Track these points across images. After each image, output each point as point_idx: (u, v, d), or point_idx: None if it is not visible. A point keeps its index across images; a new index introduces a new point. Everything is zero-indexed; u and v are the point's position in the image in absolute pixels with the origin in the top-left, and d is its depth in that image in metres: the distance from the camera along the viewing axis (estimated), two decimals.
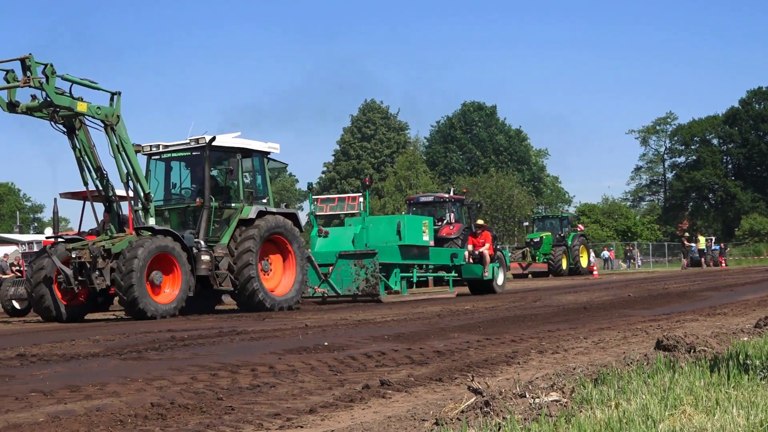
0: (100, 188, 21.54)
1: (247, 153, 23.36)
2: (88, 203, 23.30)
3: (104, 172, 21.47)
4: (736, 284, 29.74)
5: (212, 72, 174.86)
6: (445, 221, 39.79)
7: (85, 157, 21.10)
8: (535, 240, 54.92)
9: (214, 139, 22.40)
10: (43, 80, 19.47)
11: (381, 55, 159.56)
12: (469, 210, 41.06)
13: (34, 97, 20.06)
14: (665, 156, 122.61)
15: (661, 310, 17.89)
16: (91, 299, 21.79)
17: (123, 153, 21.24)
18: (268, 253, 23.15)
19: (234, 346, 12.37)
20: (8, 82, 19.67)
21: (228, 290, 22.45)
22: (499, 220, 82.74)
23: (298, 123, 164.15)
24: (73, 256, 20.73)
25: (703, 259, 70.09)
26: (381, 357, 10.23)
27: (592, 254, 69.02)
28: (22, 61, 19.29)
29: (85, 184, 21.52)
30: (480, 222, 32.76)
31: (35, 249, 27.44)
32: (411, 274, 27.88)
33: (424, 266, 28.91)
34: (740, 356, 7.89)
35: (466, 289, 31.40)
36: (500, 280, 31.31)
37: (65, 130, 20.86)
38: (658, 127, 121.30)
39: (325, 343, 11.81)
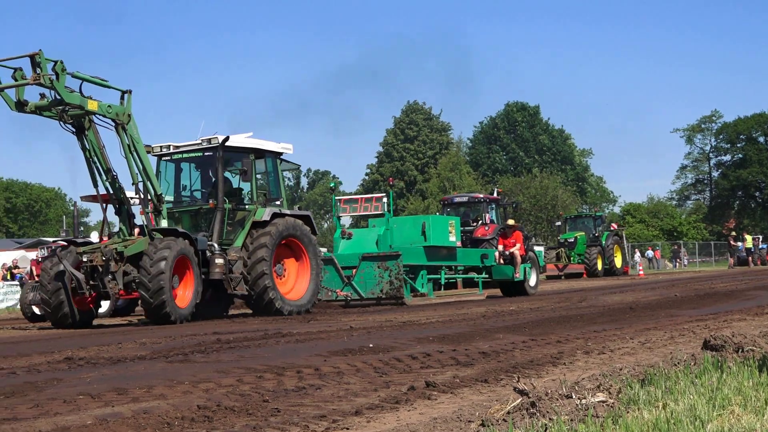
0: (111, 190, 20.91)
1: (260, 154, 22.88)
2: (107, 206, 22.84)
3: (114, 174, 20.83)
4: None
5: (227, 71, 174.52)
6: (480, 222, 39.50)
7: (95, 158, 20.48)
8: (570, 240, 53.95)
9: (227, 139, 21.97)
10: (54, 77, 18.82)
11: (423, 55, 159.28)
12: (505, 210, 40.70)
13: (43, 96, 19.52)
14: (711, 155, 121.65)
15: (707, 310, 17.74)
16: (98, 304, 21.33)
17: (134, 153, 20.69)
18: (282, 257, 22.61)
19: (279, 348, 12.39)
20: (16, 80, 19.03)
21: (242, 294, 21.91)
22: (543, 220, 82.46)
23: (337, 124, 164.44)
24: (85, 260, 20.22)
25: (750, 258, 69.48)
26: (426, 358, 10.22)
27: (638, 254, 68.51)
28: (32, 57, 18.61)
29: (95, 185, 20.90)
30: (510, 222, 32.20)
31: None
32: (439, 276, 27.32)
33: (453, 268, 28.37)
34: None
35: (497, 291, 30.88)
36: (533, 281, 30.68)
37: (74, 130, 20.26)
38: (703, 126, 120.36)
39: (370, 345, 11.81)
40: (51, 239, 26.78)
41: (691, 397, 6.24)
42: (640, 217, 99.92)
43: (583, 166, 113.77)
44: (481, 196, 42.25)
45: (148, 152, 21.58)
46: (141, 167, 20.75)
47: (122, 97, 20.61)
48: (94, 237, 27.10)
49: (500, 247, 30.17)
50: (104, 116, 20.18)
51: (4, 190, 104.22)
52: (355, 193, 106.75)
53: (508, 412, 6.11)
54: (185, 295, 20.23)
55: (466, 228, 38.34)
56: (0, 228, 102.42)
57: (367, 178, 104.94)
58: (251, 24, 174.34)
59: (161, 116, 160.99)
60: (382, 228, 27.23)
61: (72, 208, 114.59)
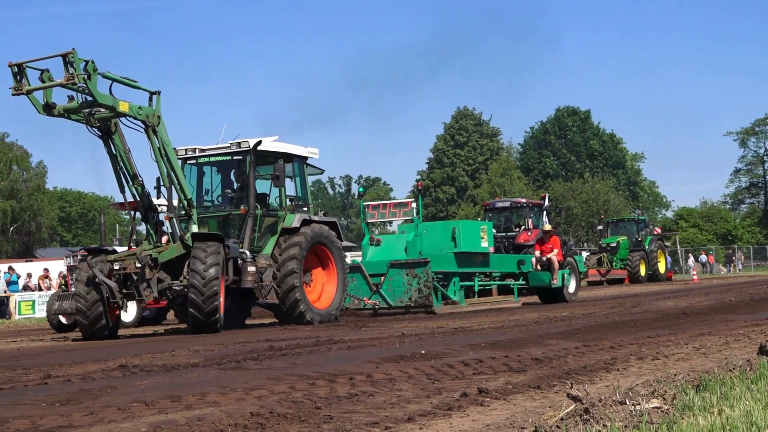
0: (138, 196, 20.21)
1: (288, 158, 22.22)
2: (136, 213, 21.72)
3: (141, 179, 20.13)
4: None
5: (253, 72, 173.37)
6: (522, 227, 39.09)
7: (121, 163, 19.82)
8: (612, 245, 52.32)
9: (259, 143, 21.42)
10: (86, 77, 17.99)
11: (473, 60, 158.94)
12: (548, 215, 40.20)
13: (71, 98, 18.83)
14: (765, 158, 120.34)
15: (763, 315, 17.55)
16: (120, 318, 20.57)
17: (164, 157, 19.95)
18: (309, 264, 21.90)
19: (331, 355, 12.41)
20: (43, 81, 18.33)
21: (273, 303, 21.15)
22: (595, 225, 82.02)
23: (386, 129, 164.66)
24: (117, 267, 19.64)
25: None
26: (478, 364, 10.19)
27: (691, 258, 67.86)
28: (64, 57, 17.83)
29: (122, 191, 20.12)
30: (548, 227, 31.45)
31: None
32: (472, 283, 26.68)
33: (489, 274, 27.79)
34: None
35: (534, 299, 30.16)
36: (572, 287, 29.74)
37: (100, 134, 19.54)
38: (757, 129, 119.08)
39: (422, 351, 11.80)
40: (78, 248, 26.42)
41: (747, 402, 6.18)
42: (694, 222, 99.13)
43: (635, 170, 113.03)
44: (524, 200, 41.67)
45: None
46: (171, 171, 20.09)
47: (150, 99, 19.93)
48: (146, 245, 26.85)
49: (537, 253, 29.36)
50: (135, 118, 19.50)
51: (58, 200, 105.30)
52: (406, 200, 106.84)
53: (562, 419, 6.08)
54: (222, 302, 19.63)
55: (509, 234, 38.04)
56: (54, 237, 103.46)
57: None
58: (279, 25, 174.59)
59: (177, 119, 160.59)
60: (411, 234, 26.48)
61: (125, 216, 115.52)
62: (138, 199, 20.23)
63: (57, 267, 47.70)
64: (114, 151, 19.72)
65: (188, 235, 19.74)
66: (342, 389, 8.58)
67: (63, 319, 25.32)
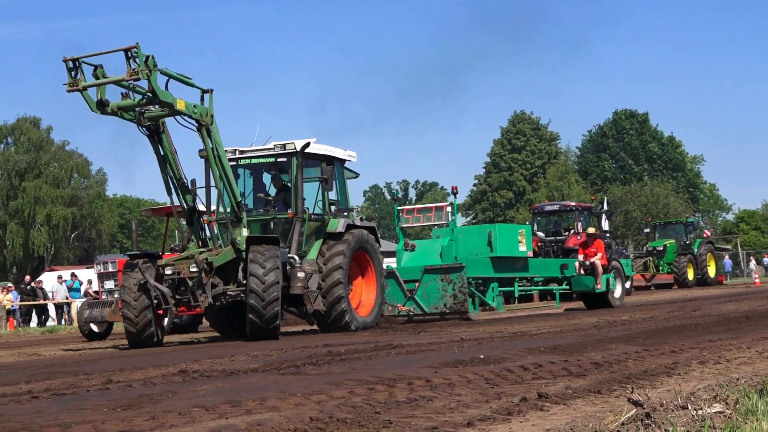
0: (183, 198, 19.73)
1: (329, 161, 21.58)
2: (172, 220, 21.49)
3: (185, 181, 19.69)
4: None
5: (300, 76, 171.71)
6: (572, 231, 38.58)
7: (167, 165, 19.37)
8: (658, 248, 50.71)
9: (308, 145, 20.89)
10: (149, 73, 17.53)
11: (530, 65, 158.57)
12: (598, 218, 39.30)
13: (125, 95, 18.32)
14: None
15: None
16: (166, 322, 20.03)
17: (217, 158, 19.48)
18: (351, 271, 21.34)
19: (390, 360, 12.41)
20: (97, 78, 17.78)
21: (320, 310, 20.44)
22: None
23: (444, 131, 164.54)
24: (169, 272, 19.08)
25: None
26: (538, 369, 10.14)
27: (753, 261, 67.04)
28: (126, 51, 17.36)
29: (169, 194, 19.65)
30: (591, 230, 30.72)
31: (110, 269, 25.70)
32: (512, 288, 26.21)
33: (530, 279, 27.22)
34: None
35: (577, 304, 29.49)
36: (617, 292, 29.06)
37: (148, 133, 19.06)
38: None
39: (481, 356, 11.76)
40: (112, 256, 25.87)
41: None
42: (755, 224, 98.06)
43: (694, 172, 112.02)
44: (573, 204, 40.93)
45: (203, 156, 20.18)
46: (223, 173, 19.58)
47: (202, 97, 19.53)
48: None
49: (581, 257, 28.61)
50: (190, 117, 19.04)
51: (117, 207, 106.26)
52: (464, 204, 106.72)
53: (623, 423, 6.04)
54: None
55: (558, 237, 37.63)
56: (114, 243, 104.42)
57: (474, 188, 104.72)
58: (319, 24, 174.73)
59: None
60: (447, 239, 25.86)
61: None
62: (184, 202, 19.77)
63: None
64: (162, 152, 19.30)
65: (240, 238, 19.24)
66: (401, 394, 8.58)
67: (94, 327, 24.97)
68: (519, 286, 26.56)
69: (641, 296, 39.58)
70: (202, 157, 20.17)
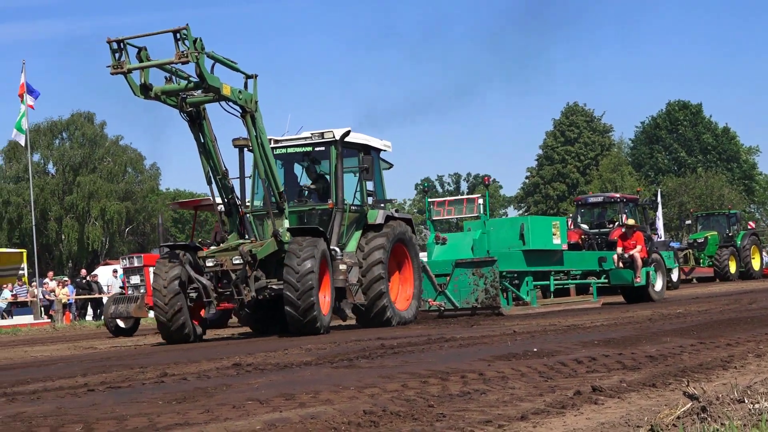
0: (221, 189, 19.25)
1: (366, 150, 20.98)
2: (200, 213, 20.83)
3: (225, 169, 19.17)
4: None
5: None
6: (616, 223, 38.00)
7: (207, 153, 18.89)
8: (699, 240, 48.75)
9: (347, 134, 20.27)
10: (197, 56, 16.88)
11: (581, 56, 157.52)
12: (644, 210, 38.43)
13: (168, 79, 17.91)
14: None
15: None
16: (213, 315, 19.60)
17: (260, 146, 18.88)
18: (388, 264, 20.64)
19: (443, 353, 12.40)
20: (141, 60, 17.27)
21: (359, 304, 19.98)
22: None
23: (497, 123, 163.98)
24: (210, 264, 18.52)
25: None
26: (591, 362, 10.10)
27: None
28: (175, 33, 16.73)
29: (209, 183, 19.10)
30: (630, 222, 29.82)
31: (136, 264, 25.03)
32: (548, 282, 25.52)
33: (567, 273, 26.67)
34: None
35: (616, 299, 28.83)
36: (658, 285, 28.22)
37: (189, 119, 18.53)
38: None
39: (534, 349, 11.73)
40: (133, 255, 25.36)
41: None
42: None
43: (750, 164, 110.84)
44: (618, 195, 39.39)
45: (243, 146, 19.78)
46: (266, 162, 18.97)
47: (246, 83, 18.84)
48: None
49: (619, 249, 27.79)
50: (235, 102, 18.42)
51: (171, 201, 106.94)
52: (516, 197, 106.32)
53: (678, 417, 6.00)
54: (325, 301, 18.63)
55: (602, 230, 37.08)
56: (168, 238, 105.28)
57: (527, 181, 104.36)
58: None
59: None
60: (478, 232, 25.02)
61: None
62: (222, 192, 19.33)
63: None
64: (202, 140, 18.83)
65: (282, 230, 18.85)
66: (454, 387, 8.57)
67: (120, 323, 24.62)
68: (555, 279, 25.95)
69: (690, 289, 38.97)
70: (236, 146, 19.75)
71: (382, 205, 21.45)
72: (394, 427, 6.73)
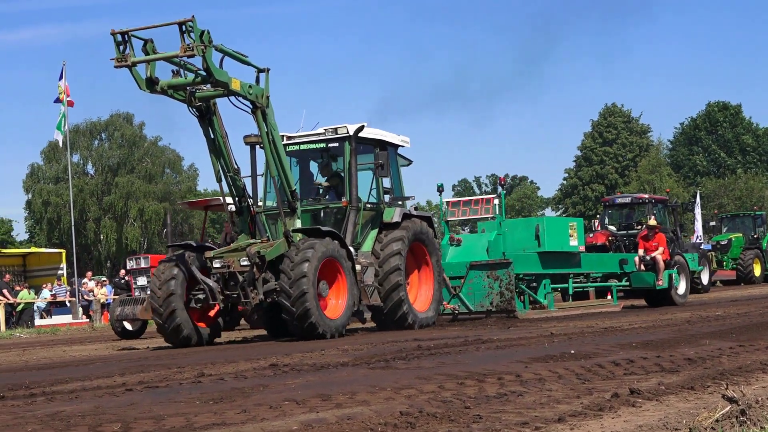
0: (232, 187, 18.73)
1: (383, 146, 20.08)
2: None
3: (237, 167, 18.60)
4: None
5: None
6: (644, 225, 37.44)
7: (217, 150, 18.37)
8: (722, 242, 46.71)
9: (361, 128, 19.48)
10: (204, 49, 16.30)
11: (616, 58, 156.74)
12: (673, 212, 37.62)
13: (176, 73, 17.29)
14: None
15: None
16: (221, 319, 18.76)
17: (272, 143, 18.28)
18: (407, 264, 20.08)
19: (480, 354, 12.38)
20: (146, 53, 16.77)
21: (376, 305, 19.43)
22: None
23: (534, 127, 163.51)
24: (217, 265, 17.89)
25: None
26: (629, 365, 10.05)
27: None
28: (180, 25, 16.18)
29: (219, 180, 18.67)
30: (652, 222, 28.54)
31: (143, 265, 24.65)
32: (566, 285, 24.79)
33: (586, 275, 25.98)
34: None
35: (638, 302, 28.28)
36: (681, 289, 27.35)
37: (198, 114, 18.02)
38: None
39: (572, 351, 11.68)
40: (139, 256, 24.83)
41: None
42: None
43: None
44: (646, 196, 38.60)
45: (255, 143, 19.11)
46: (277, 159, 18.39)
47: (257, 77, 18.22)
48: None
49: (641, 251, 26.85)
50: (245, 97, 17.79)
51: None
52: (554, 198, 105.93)
53: (717, 420, 5.96)
54: (338, 304, 18.03)
55: (630, 231, 36.53)
56: (206, 239, 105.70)
57: (565, 182, 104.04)
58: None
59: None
60: (494, 233, 24.09)
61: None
62: (233, 191, 18.81)
63: None
64: (212, 135, 18.29)
65: (293, 230, 18.20)
66: (491, 389, 8.55)
67: (128, 326, 23.98)
68: (574, 282, 25.20)
69: (715, 293, 38.18)
70: (247, 143, 19.18)
71: (401, 202, 20.87)
72: (431, 428, 6.72)
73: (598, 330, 16.30)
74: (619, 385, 8.53)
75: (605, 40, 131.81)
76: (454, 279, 22.88)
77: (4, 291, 38.29)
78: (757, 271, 46.34)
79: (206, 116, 18.11)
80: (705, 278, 39.17)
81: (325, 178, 20.34)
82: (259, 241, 18.44)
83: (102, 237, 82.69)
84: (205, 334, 18.48)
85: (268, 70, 18.24)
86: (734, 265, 46.18)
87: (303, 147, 20.12)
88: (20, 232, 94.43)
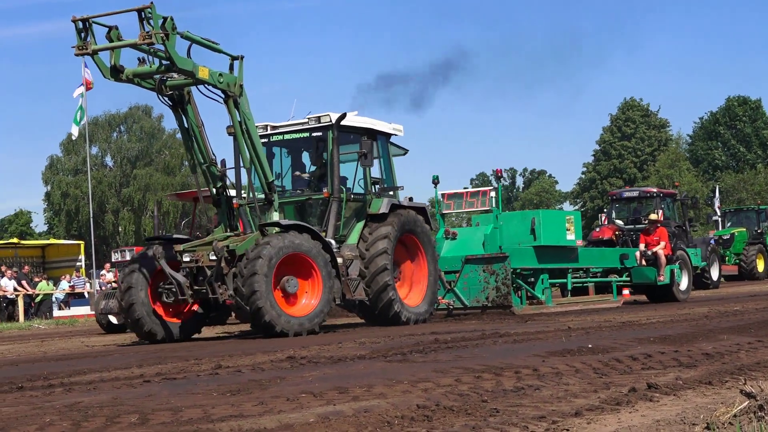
0: (209, 178, 18.13)
1: (372, 135, 19.63)
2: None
3: (213, 157, 18.00)
4: None
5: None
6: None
7: (193, 139, 17.82)
8: (725, 237, 45.04)
9: (343, 116, 18.90)
10: (164, 37, 15.75)
11: (636, 49, 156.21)
12: (682, 206, 36.79)
13: (142, 61, 16.76)
14: None
15: None
16: (198, 314, 18.25)
17: (246, 133, 17.78)
18: (398, 257, 19.62)
19: (497, 348, 12.38)
20: (111, 40, 16.19)
21: (360, 300, 19.04)
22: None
23: (552, 120, 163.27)
24: (186, 259, 17.36)
25: None
26: (647, 359, 10.02)
27: None
28: (140, 11, 15.62)
29: (194, 172, 18.41)
30: (653, 216, 28.10)
31: (128, 257, 24.15)
32: (564, 280, 24.54)
33: (585, 270, 25.64)
34: None
35: (642, 298, 27.91)
36: (683, 285, 26.92)
37: (171, 103, 17.57)
38: None
39: (589, 346, 11.66)
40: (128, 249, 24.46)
41: None
42: None
43: None
44: (654, 190, 38.10)
45: (231, 133, 18.44)
46: (253, 150, 17.88)
47: (231, 65, 17.75)
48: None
49: (642, 246, 26.56)
50: (214, 86, 17.30)
51: None
52: (572, 192, 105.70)
53: (735, 416, 5.94)
54: (309, 302, 17.30)
55: (637, 226, 36.18)
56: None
57: (583, 176, 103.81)
58: None
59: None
60: (490, 227, 23.57)
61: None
62: (210, 181, 18.21)
63: None
64: (186, 125, 17.82)
65: (270, 222, 17.63)
66: (508, 383, 8.55)
67: (113, 319, 23.77)
68: (573, 278, 24.84)
69: (723, 289, 37.75)
70: (230, 134, 18.50)
71: (391, 193, 20.23)
72: (447, 421, 6.72)
73: (616, 324, 16.28)
74: (636, 379, 8.52)
75: (623, 33, 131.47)
76: (449, 273, 22.31)
77: (23, 282, 38.49)
78: (761, 266, 45.50)
79: (180, 105, 17.67)
80: (715, 274, 38.58)
81: (314, 168, 19.84)
82: (235, 234, 17.92)
83: (120, 229, 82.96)
84: (176, 328, 17.98)
85: (242, 57, 17.80)
86: (737, 261, 45.26)
87: (287, 137, 19.66)
88: (39, 224, 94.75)
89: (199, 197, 19.12)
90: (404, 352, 12.16)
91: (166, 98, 17.50)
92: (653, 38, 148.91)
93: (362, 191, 19.62)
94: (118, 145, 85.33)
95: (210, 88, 17.42)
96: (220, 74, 17.29)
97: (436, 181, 24.61)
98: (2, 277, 37.99)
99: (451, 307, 22.36)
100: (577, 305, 24.35)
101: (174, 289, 17.34)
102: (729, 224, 48.82)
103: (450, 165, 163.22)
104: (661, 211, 34.47)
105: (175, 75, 17.10)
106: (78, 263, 42.96)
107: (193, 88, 17.63)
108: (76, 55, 16.27)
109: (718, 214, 50.03)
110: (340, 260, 18.07)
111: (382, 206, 19.14)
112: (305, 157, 20.14)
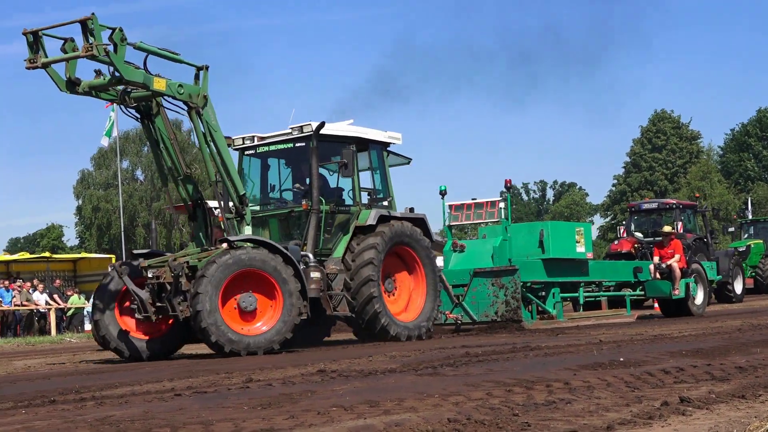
0: (184, 192, 17.70)
1: (363, 144, 19.19)
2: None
3: (188, 171, 17.60)
4: None
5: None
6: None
7: (164, 152, 17.40)
8: (740, 249, 43.10)
9: (322, 125, 18.38)
10: (110, 48, 15.41)
11: (668, 60, 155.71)
12: (703, 218, 36.50)
13: (99, 73, 16.33)
14: None
15: None
16: (180, 330, 17.45)
17: (211, 144, 17.35)
18: (393, 270, 19.13)
19: (528, 361, 12.34)
20: (66, 52, 15.85)
21: (345, 316, 18.51)
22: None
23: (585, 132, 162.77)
24: (150, 275, 16.75)
25: None
26: (679, 373, 9.96)
27: None
28: (83, 23, 15.23)
29: (165, 184, 17.99)
30: (667, 229, 27.65)
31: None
32: (576, 294, 23.76)
33: (598, 284, 25.14)
34: None
35: (656, 312, 27.51)
36: (699, 299, 26.37)
37: (138, 116, 17.21)
38: None
39: (621, 359, 11.61)
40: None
41: None
42: None
43: None
44: (674, 201, 37.51)
45: (229, 145, 18.27)
46: (219, 161, 17.42)
47: (197, 76, 17.29)
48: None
49: (656, 259, 26.09)
50: (174, 98, 16.89)
51: None
52: (603, 205, 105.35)
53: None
54: (269, 321, 16.61)
55: (657, 238, 35.76)
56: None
57: (613, 189, 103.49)
58: None
59: (248, 104, 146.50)
60: (499, 239, 23.09)
61: None
62: (182, 195, 17.77)
63: None
64: (155, 136, 17.38)
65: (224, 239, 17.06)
66: (539, 396, 8.52)
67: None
68: (586, 292, 24.24)
69: (752, 302, 37.00)
70: (227, 145, 18.13)
71: (385, 203, 19.66)
72: None
73: (648, 337, 16.21)
74: (668, 393, 8.47)
75: (654, 46, 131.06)
76: (456, 287, 21.89)
77: (55, 296, 38.68)
78: None
79: (147, 117, 17.31)
80: (738, 287, 37.64)
81: (301, 179, 19.33)
82: (204, 249, 17.37)
83: (151, 243, 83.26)
84: (151, 345, 17.43)
85: (207, 67, 17.37)
86: (752, 273, 43.58)
87: (272, 147, 19.23)
88: (71, 238, 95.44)
89: (171, 209, 18.72)
90: (435, 365, 12.13)
91: (132, 110, 17.17)
92: (684, 50, 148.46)
93: (350, 203, 19.22)
94: (149, 158, 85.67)
95: (169, 100, 17.09)
96: (180, 85, 16.89)
97: (443, 192, 24.13)
98: (34, 291, 38.17)
99: (459, 321, 21.92)
100: (589, 320, 23.86)
101: (137, 306, 16.86)
102: (746, 236, 47.57)
103: (479, 177, 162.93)
104: (680, 224, 33.90)
105: (137, 87, 16.75)
106: None
107: (163, 100, 17.24)
108: (27, 68, 15.83)
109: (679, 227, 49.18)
110: (316, 275, 17.45)
111: (369, 218, 18.61)
112: (294, 168, 19.63)
